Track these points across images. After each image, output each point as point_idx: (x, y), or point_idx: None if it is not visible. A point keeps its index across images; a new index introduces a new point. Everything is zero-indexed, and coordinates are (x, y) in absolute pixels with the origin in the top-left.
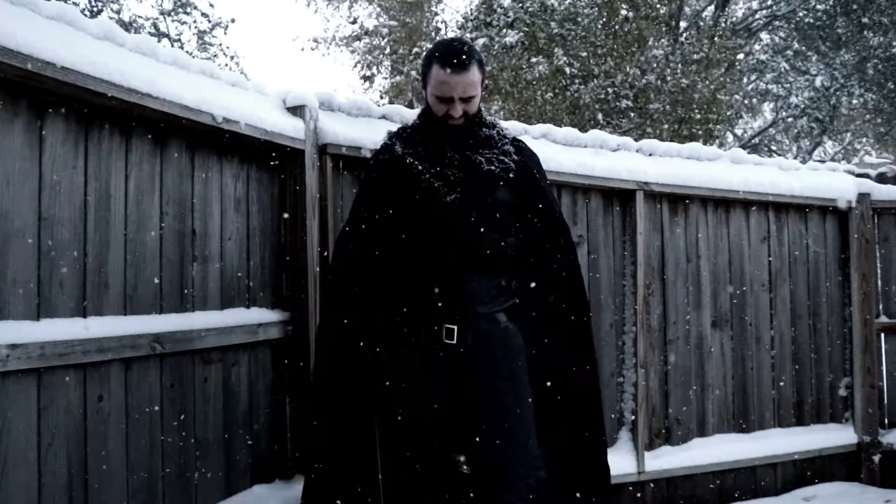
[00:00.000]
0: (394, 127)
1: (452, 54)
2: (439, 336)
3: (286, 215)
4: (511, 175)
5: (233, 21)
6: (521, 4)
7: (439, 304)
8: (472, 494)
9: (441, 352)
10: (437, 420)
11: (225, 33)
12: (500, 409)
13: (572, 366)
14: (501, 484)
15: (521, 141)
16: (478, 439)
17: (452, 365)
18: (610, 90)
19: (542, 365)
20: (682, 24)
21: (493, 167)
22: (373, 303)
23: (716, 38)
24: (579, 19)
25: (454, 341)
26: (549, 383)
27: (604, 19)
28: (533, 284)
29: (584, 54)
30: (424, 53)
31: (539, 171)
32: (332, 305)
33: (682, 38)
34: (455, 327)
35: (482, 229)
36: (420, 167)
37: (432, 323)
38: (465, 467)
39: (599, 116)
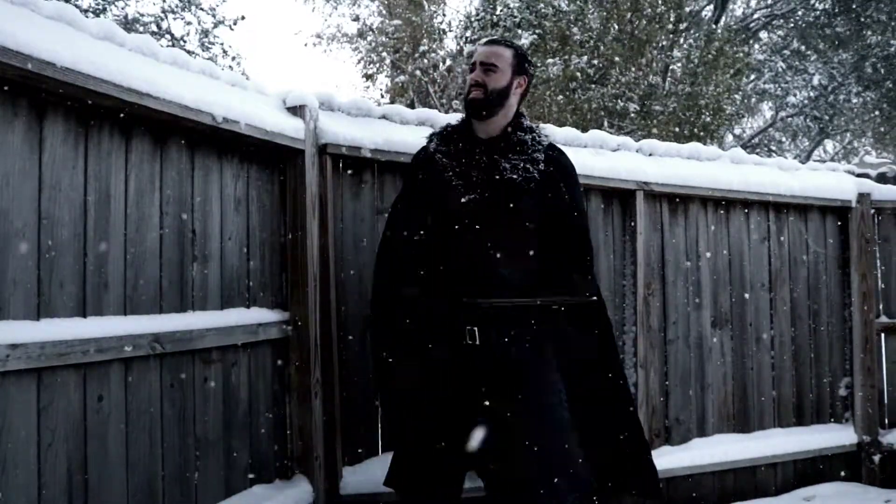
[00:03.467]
0: (437, 126)
1: (489, 37)
2: (462, 338)
3: (286, 215)
4: (532, 185)
5: (243, 18)
6: (527, 5)
7: (462, 305)
8: (499, 496)
9: (463, 354)
10: (460, 422)
11: (231, 29)
12: (524, 413)
13: (601, 371)
14: (534, 489)
15: (557, 149)
16: (503, 443)
17: (474, 368)
18: (615, 92)
19: (571, 370)
20: (683, 25)
21: (515, 175)
22: (411, 301)
23: (719, 44)
24: (587, 22)
25: (477, 342)
26: (579, 387)
27: (604, 22)
28: (554, 296)
29: (595, 61)
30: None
31: (567, 183)
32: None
33: (682, 40)
34: (476, 329)
35: (498, 234)
36: (445, 163)
37: (455, 324)
38: (492, 467)
39: (605, 121)
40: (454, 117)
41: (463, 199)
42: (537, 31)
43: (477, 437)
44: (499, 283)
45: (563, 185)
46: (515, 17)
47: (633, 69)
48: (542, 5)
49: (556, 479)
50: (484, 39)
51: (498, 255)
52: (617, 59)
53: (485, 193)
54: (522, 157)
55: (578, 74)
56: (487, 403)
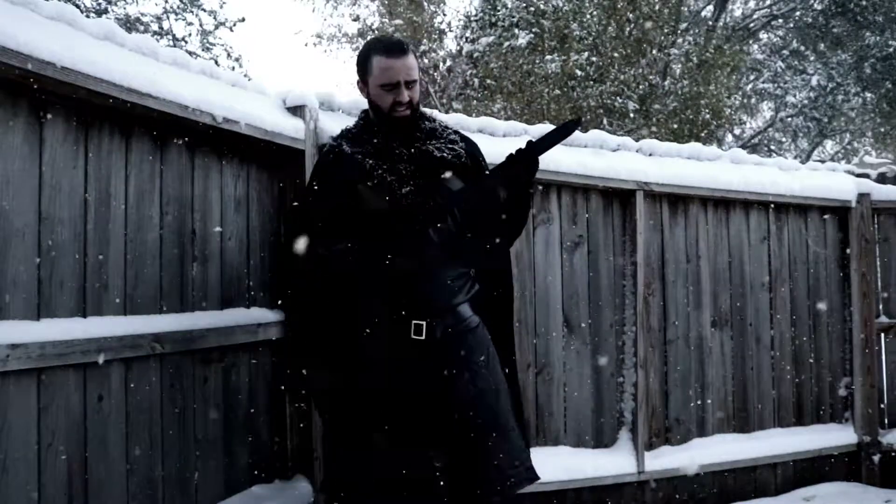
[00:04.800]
0: (336, 131)
1: (391, 42)
2: (407, 332)
3: (286, 215)
4: (462, 160)
5: (242, 20)
6: (525, 4)
7: (405, 300)
8: (447, 490)
9: (410, 348)
10: (406, 417)
11: (231, 30)
12: (479, 404)
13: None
14: (487, 480)
15: (461, 132)
16: (456, 435)
17: (422, 361)
18: (616, 93)
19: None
20: (683, 25)
21: (444, 154)
22: (334, 301)
23: (717, 42)
24: (584, 20)
25: (423, 337)
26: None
27: (604, 21)
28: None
29: (595, 58)
30: (359, 54)
31: (484, 160)
32: (295, 306)
33: (682, 40)
34: (423, 323)
35: (439, 218)
36: (371, 163)
37: (399, 319)
38: (437, 463)
39: (603, 119)
40: (452, 118)
41: (402, 191)
42: (534, 29)
43: (425, 437)
44: (442, 272)
45: (483, 162)
46: (514, 16)
47: (632, 68)
48: (540, 3)
49: (508, 477)
50: (385, 44)
51: (440, 240)
52: (616, 54)
53: (418, 180)
54: (441, 140)
55: (578, 72)
56: (437, 401)
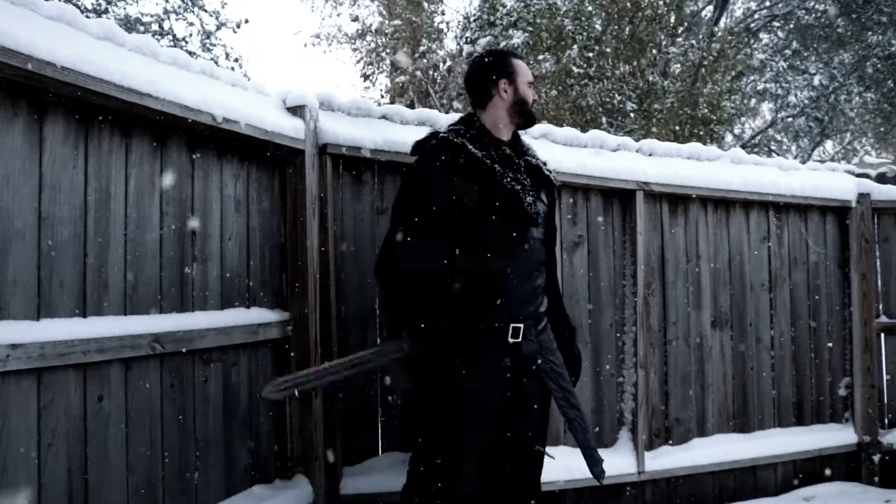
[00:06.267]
0: (442, 127)
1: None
2: (505, 334)
3: (286, 215)
4: (557, 183)
5: (246, 21)
6: (524, 4)
7: (506, 303)
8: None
9: (511, 349)
10: (512, 413)
11: (234, 32)
12: (568, 394)
13: None
14: (591, 460)
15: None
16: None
17: (521, 360)
18: (614, 90)
19: None
20: (683, 25)
21: (549, 172)
22: (450, 298)
23: (718, 45)
24: (583, 19)
25: (519, 339)
26: None
27: (606, 21)
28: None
29: (591, 55)
30: (491, 60)
31: None
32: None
33: (681, 40)
34: (521, 326)
35: (543, 230)
36: (499, 170)
37: (500, 321)
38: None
39: (602, 119)
40: (454, 117)
41: (528, 200)
42: (529, 28)
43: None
44: (532, 279)
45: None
46: (511, 16)
47: (631, 66)
48: (536, 3)
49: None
50: (511, 50)
51: (536, 251)
52: (608, 50)
53: (534, 193)
54: (537, 158)
55: (574, 69)
56: (537, 400)
